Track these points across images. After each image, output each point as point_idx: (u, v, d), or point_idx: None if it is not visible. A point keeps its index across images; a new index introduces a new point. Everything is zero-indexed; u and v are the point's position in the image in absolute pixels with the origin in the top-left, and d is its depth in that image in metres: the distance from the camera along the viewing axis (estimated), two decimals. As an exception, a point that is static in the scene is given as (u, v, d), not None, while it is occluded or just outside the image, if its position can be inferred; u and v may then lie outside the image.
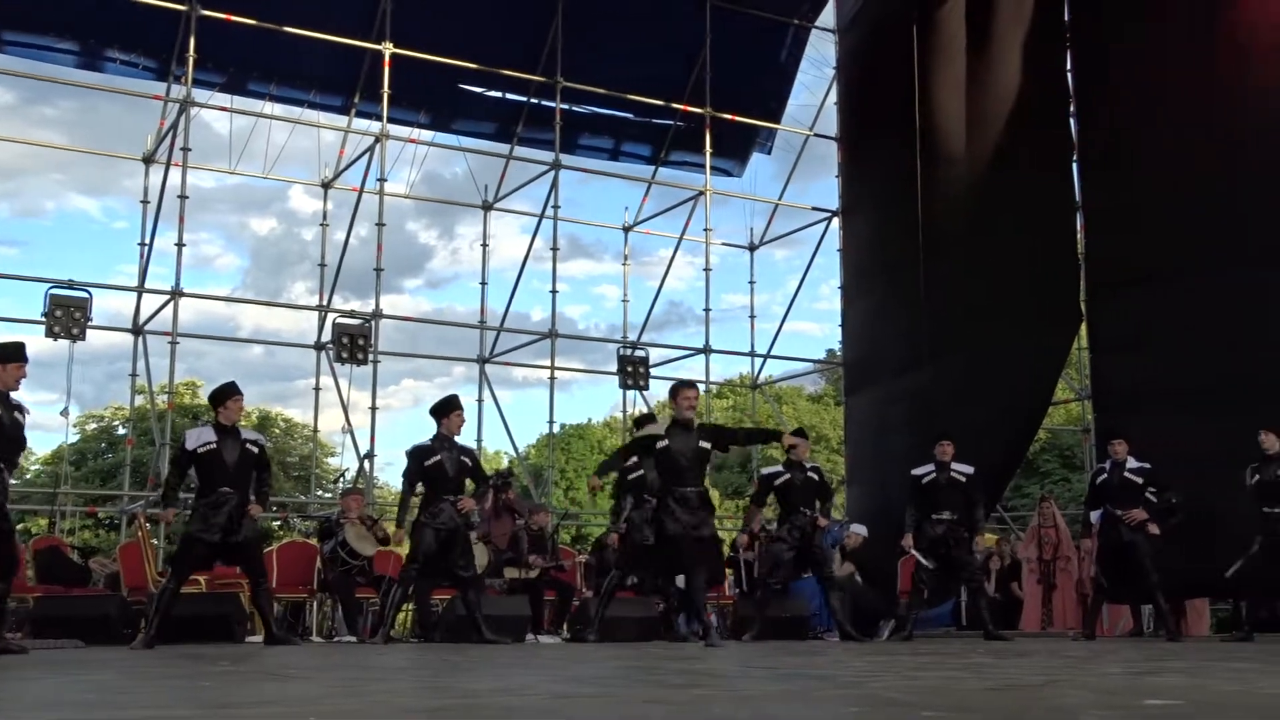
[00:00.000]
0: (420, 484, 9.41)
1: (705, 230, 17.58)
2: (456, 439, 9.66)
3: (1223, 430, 10.65)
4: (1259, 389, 10.85)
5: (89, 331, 13.33)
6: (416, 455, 9.41)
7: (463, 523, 9.38)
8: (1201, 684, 3.88)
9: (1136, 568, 10.05)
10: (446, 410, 9.57)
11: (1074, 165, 13.83)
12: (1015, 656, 6.23)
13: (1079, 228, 13.70)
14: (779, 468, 10.76)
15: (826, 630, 11.53)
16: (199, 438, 8.70)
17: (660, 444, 8.70)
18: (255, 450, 8.83)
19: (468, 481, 9.63)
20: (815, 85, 18.70)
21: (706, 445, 8.60)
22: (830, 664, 5.30)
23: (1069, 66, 13.97)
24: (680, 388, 8.82)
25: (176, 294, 13.97)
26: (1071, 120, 13.87)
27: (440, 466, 9.35)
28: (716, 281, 17.65)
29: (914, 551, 10.67)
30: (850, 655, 6.36)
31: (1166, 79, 12.52)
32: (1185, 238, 12.07)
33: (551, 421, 17.79)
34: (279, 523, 21.46)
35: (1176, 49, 12.45)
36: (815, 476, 10.69)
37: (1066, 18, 13.99)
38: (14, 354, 7.61)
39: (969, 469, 10.74)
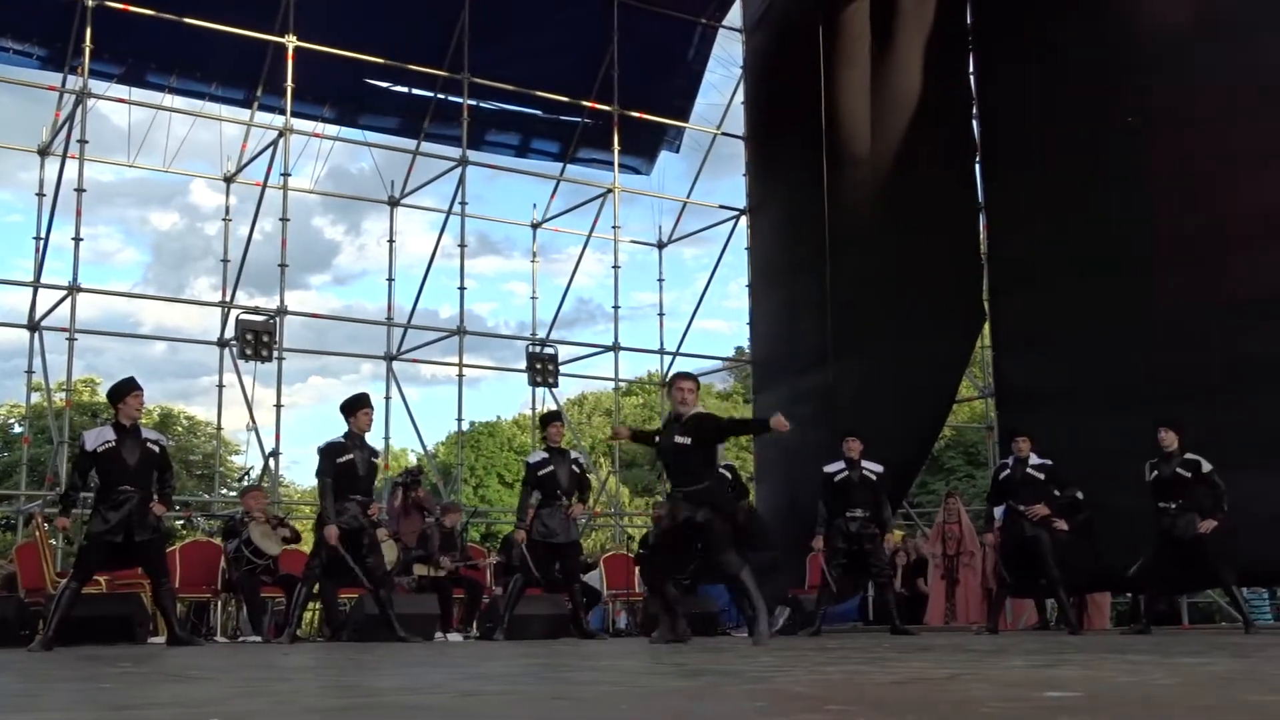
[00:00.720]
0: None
1: (614, 228, 17.62)
2: (367, 437, 9.61)
3: (1123, 428, 10.90)
4: (1158, 387, 11.13)
5: None
6: (329, 452, 9.34)
7: (367, 523, 9.31)
8: (1099, 676, 3.97)
9: (1039, 563, 10.25)
10: (355, 408, 9.52)
11: (977, 166, 14.07)
12: (919, 651, 6.32)
13: (982, 228, 13.94)
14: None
15: (735, 627, 11.61)
16: (98, 437, 8.54)
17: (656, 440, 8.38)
18: (156, 449, 8.69)
19: (377, 482, 9.59)
20: (723, 84, 18.84)
21: (685, 440, 7.78)
22: (737, 660, 5.33)
23: (971, 69, 14.22)
24: (675, 379, 8.26)
25: (74, 289, 13.65)
26: (974, 121, 14.11)
27: (352, 465, 9.28)
28: (625, 279, 17.81)
29: (820, 553, 10.80)
30: (757, 652, 6.41)
31: (1066, 80, 12.78)
32: (1086, 238, 12.34)
33: (460, 419, 17.66)
34: (182, 522, 21.07)
35: (1075, 50, 12.72)
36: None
37: (969, 20, 14.23)
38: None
39: (879, 467, 10.89)
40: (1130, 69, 12.19)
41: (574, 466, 10.25)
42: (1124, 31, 12.44)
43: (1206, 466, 9.53)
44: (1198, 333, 11.19)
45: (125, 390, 8.68)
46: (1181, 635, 9.67)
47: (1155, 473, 9.75)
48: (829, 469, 10.89)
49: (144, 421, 9.18)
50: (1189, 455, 9.64)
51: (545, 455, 10.25)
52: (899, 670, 4.33)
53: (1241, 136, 11.14)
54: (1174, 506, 9.60)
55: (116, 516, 8.34)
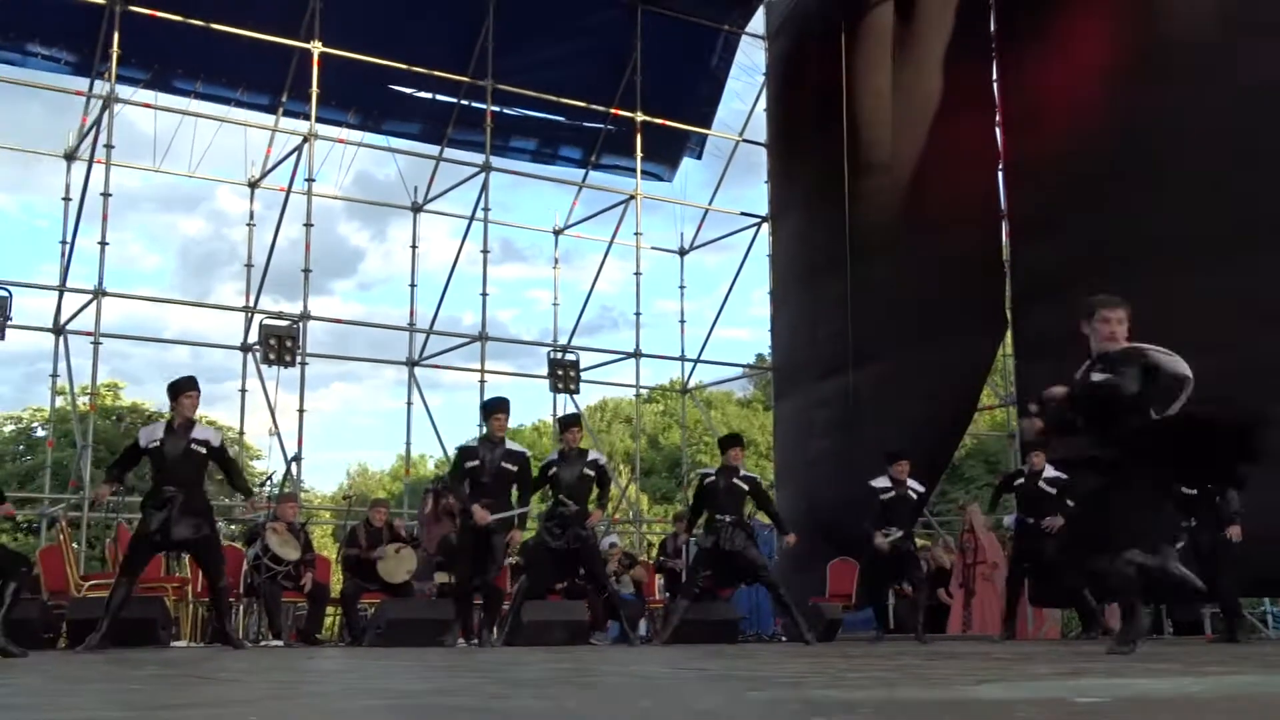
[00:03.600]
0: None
1: (636, 234, 17.64)
2: (505, 441, 9.66)
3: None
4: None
5: (8, 331, 13.06)
6: (461, 455, 9.65)
7: (494, 526, 9.33)
8: (1127, 683, 3.96)
9: (1058, 574, 10.22)
10: (489, 412, 9.76)
11: (999, 172, 14.05)
12: (945, 658, 6.30)
13: (1004, 234, 13.91)
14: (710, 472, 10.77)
15: (755, 634, 11.61)
16: (150, 435, 8.65)
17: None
18: (202, 450, 8.70)
19: (514, 488, 9.57)
20: (745, 91, 18.86)
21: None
22: (762, 666, 5.33)
23: (994, 76, 14.20)
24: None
25: (99, 294, 13.73)
26: (996, 127, 14.09)
27: (478, 469, 9.37)
28: (647, 286, 17.78)
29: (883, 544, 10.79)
30: (783, 658, 6.40)
31: (1089, 88, 12.76)
32: (1108, 245, 12.30)
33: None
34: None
35: (1098, 59, 12.70)
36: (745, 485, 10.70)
37: (991, 25, 14.23)
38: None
39: (922, 488, 11.00)
40: (1152, 72, 12.16)
41: (587, 469, 10.12)
42: (1145, 34, 12.41)
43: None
44: (1224, 337, 11.11)
45: (180, 389, 8.70)
46: (1207, 647, 9.61)
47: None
48: (876, 484, 10.85)
49: (203, 419, 9.23)
50: None
51: (555, 457, 10.21)
52: (927, 676, 4.32)
53: (1266, 137, 11.09)
54: (1194, 523, 9.52)
55: (159, 516, 8.40)
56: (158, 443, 8.54)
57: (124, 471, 9.04)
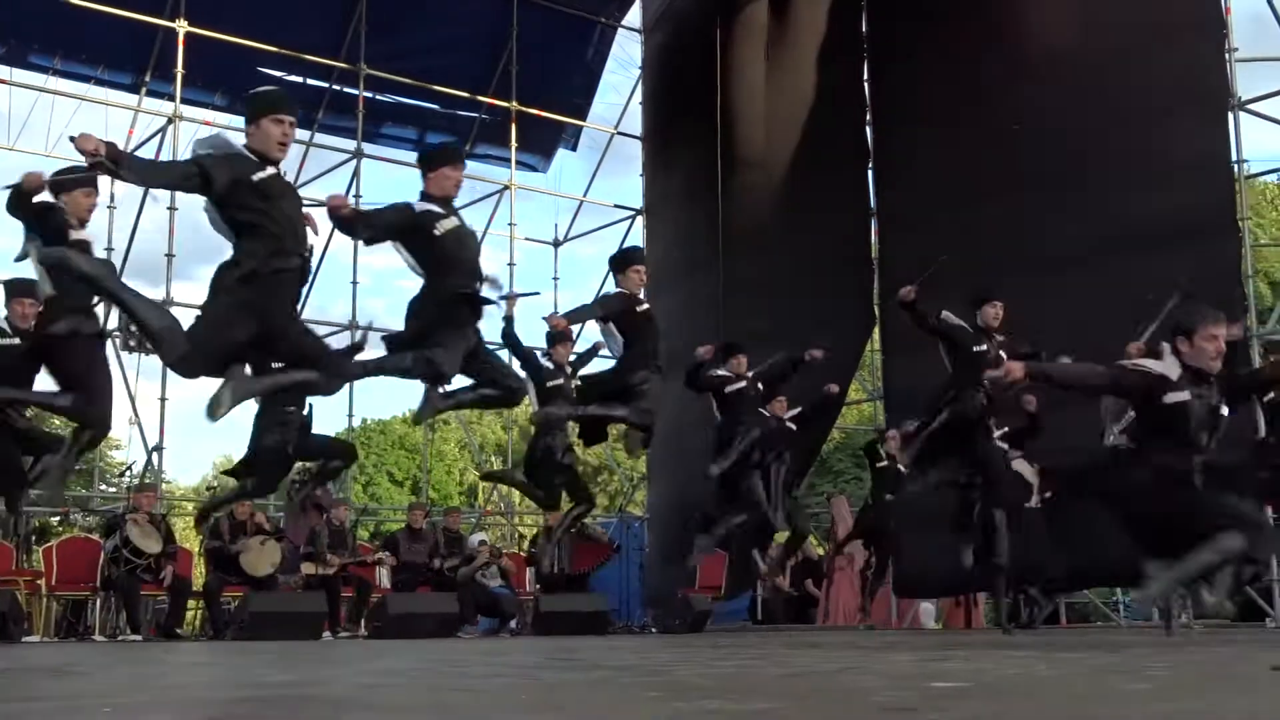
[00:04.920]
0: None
1: (510, 225, 17.53)
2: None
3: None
4: (1048, 392, 11.39)
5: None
6: None
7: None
8: (984, 668, 4.07)
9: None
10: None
11: (869, 171, 14.30)
12: (808, 647, 6.41)
13: (873, 232, 14.16)
14: None
15: (625, 625, 11.66)
16: None
17: None
18: None
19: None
20: (621, 84, 18.86)
21: None
22: (632, 655, 5.36)
23: (865, 75, 14.45)
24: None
25: (-52, 277, 13.19)
26: (867, 127, 14.34)
27: None
28: (521, 276, 17.59)
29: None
30: (651, 648, 6.44)
31: (956, 87, 13.03)
32: (974, 242, 12.58)
33: (351, 415, 17.43)
34: (58, 518, 20.49)
35: (965, 58, 12.98)
36: None
37: (863, 28, 14.47)
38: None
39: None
40: (1017, 77, 12.47)
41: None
42: (1012, 40, 12.73)
43: None
44: (1086, 339, 11.45)
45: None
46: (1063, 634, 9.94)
47: None
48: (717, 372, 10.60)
49: None
50: None
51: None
52: (791, 664, 4.39)
53: (1125, 143, 11.46)
54: None
55: None
56: None
57: None
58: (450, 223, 6.41)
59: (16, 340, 7.28)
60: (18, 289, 7.37)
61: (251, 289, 5.08)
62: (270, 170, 5.29)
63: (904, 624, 12.60)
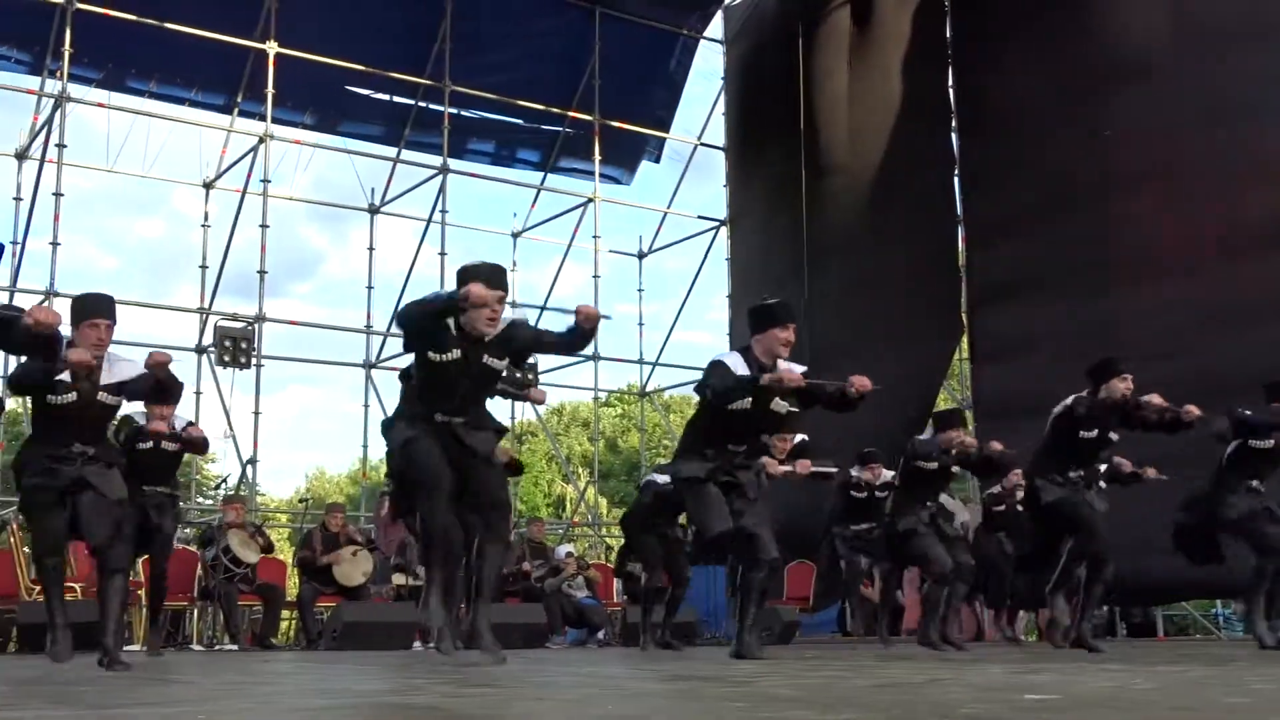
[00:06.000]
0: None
1: (594, 237, 17.63)
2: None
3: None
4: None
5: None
6: None
7: None
8: (1077, 680, 4.00)
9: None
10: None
11: (955, 178, 14.16)
12: (899, 659, 6.34)
13: (960, 240, 14.02)
14: None
15: (714, 636, 11.61)
16: None
17: None
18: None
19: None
20: (704, 95, 18.89)
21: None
22: (717, 667, 5.35)
23: (950, 82, 14.32)
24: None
25: (50, 294, 13.57)
26: (952, 134, 14.20)
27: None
28: (605, 289, 17.74)
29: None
30: (736, 659, 6.41)
31: (1044, 93, 12.89)
32: (1062, 250, 12.43)
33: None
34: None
35: (1052, 63, 12.83)
36: None
37: (948, 33, 14.34)
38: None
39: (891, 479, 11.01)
40: (1106, 80, 12.29)
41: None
42: (1100, 44, 12.54)
43: None
44: (1177, 344, 11.25)
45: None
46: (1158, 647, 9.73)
47: None
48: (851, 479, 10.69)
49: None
50: None
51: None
52: (879, 676, 4.35)
53: (1219, 147, 11.24)
54: None
55: None
56: None
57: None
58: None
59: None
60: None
61: None
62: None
63: (996, 636, 12.41)
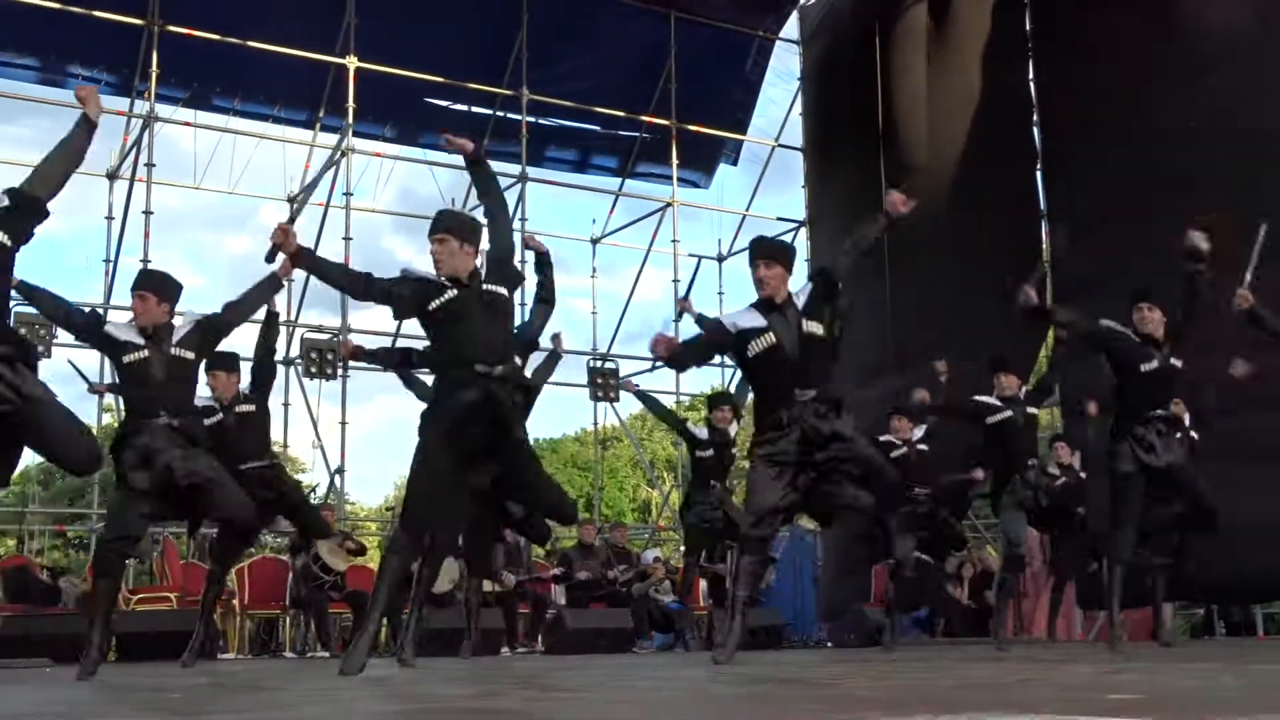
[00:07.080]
0: None
1: (673, 242, 17.64)
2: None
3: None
4: (1225, 397, 10.94)
5: (54, 349, 13.19)
6: None
7: None
8: (1164, 680, 3.93)
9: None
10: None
11: (1038, 172, 13.96)
12: (983, 660, 6.27)
13: (1044, 234, 13.82)
14: None
15: (801, 639, 11.57)
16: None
17: None
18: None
19: None
20: (781, 97, 18.81)
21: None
22: (800, 669, 5.33)
23: (1030, 75, 14.12)
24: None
25: (142, 312, 13.85)
26: (1034, 127, 14.00)
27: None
28: (686, 293, 17.64)
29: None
30: (823, 662, 6.39)
31: (1127, 84, 12.64)
32: (1148, 244, 12.16)
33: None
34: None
35: (1136, 54, 12.58)
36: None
37: (1027, 25, 14.15)
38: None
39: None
40: (1191, 71, 12.03)
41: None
42: (1184, 33, 12.28)
43: None
44: (1269, 340, 10.97)
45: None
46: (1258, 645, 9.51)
47: None
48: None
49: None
50: None
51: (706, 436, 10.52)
52: (964, 676, 4.31)
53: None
54: None
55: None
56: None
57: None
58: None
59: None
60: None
61: None
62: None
63: (1089, 636, 12.22)
